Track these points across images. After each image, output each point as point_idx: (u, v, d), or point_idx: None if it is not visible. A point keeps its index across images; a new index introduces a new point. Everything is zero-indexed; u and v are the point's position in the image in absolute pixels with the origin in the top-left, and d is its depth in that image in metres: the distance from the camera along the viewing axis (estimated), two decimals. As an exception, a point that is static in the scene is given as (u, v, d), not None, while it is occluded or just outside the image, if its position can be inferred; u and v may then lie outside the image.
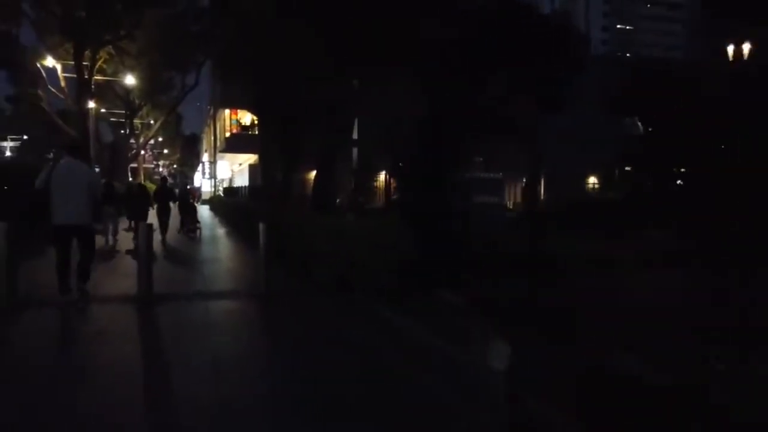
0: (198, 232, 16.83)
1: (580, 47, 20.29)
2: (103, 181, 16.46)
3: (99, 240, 13.35)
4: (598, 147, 29.76)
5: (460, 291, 5.24)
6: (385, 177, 31.04)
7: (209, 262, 11.86)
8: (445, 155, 9.02)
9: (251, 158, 36.96)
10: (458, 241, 6.03)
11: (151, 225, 6.96)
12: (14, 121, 57.34)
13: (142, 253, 6.66)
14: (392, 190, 30.20)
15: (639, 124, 30.00)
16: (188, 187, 22.80)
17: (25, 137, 59.12)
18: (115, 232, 14.17)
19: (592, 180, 35.98)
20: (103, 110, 40.61)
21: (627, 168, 31.53)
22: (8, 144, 58.19)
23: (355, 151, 30.89)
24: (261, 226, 7.29)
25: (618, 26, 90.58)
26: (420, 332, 5.02)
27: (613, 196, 24.81)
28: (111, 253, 12.65)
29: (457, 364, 4.32)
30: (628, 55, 59.23)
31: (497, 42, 11.23)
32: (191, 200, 19.90)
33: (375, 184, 31.35)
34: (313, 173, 27.82)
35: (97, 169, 31.18)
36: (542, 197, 31.39)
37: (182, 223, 17.46)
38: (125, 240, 14.10)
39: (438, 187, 8.47)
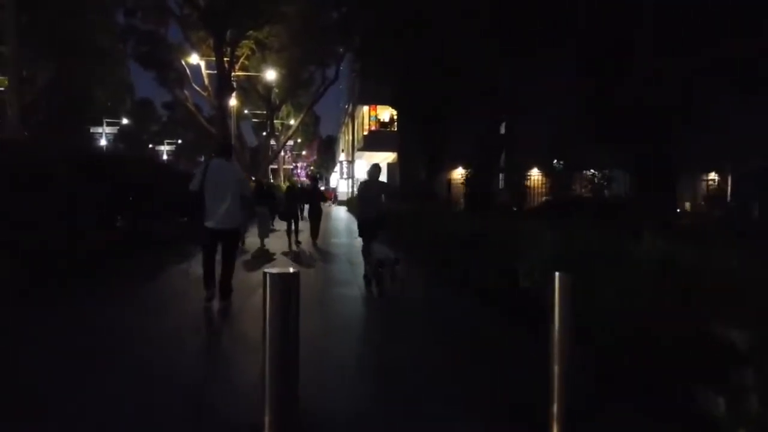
0: (399, 283, 7.57)
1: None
2: (253, 181, 15.71)
3: (255, 242, 12.83)
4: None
5: None
6: (543, 175, 27.57)
7: (386, 306, 7.00)
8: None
9: (389, 156, 35.22)
10: None
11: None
12: (170, 126, 61.59)
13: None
14: (547, 190, 27.10)
15: None
16: (387, 186, 14.02)
17: (179, 141, 63.16)
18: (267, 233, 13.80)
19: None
20: (246, 111, 41.31)
21: None
22: (165, 148, 62.27)
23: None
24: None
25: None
26: None
27: None
28: (266, 255, 11.45)
29: None
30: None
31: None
32: (382, 212, 8.69)
33: (526, 183, 27.89)
34: (455, 172, 25.45)
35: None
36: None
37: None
38: (277, 241, 13.57)
39: None
